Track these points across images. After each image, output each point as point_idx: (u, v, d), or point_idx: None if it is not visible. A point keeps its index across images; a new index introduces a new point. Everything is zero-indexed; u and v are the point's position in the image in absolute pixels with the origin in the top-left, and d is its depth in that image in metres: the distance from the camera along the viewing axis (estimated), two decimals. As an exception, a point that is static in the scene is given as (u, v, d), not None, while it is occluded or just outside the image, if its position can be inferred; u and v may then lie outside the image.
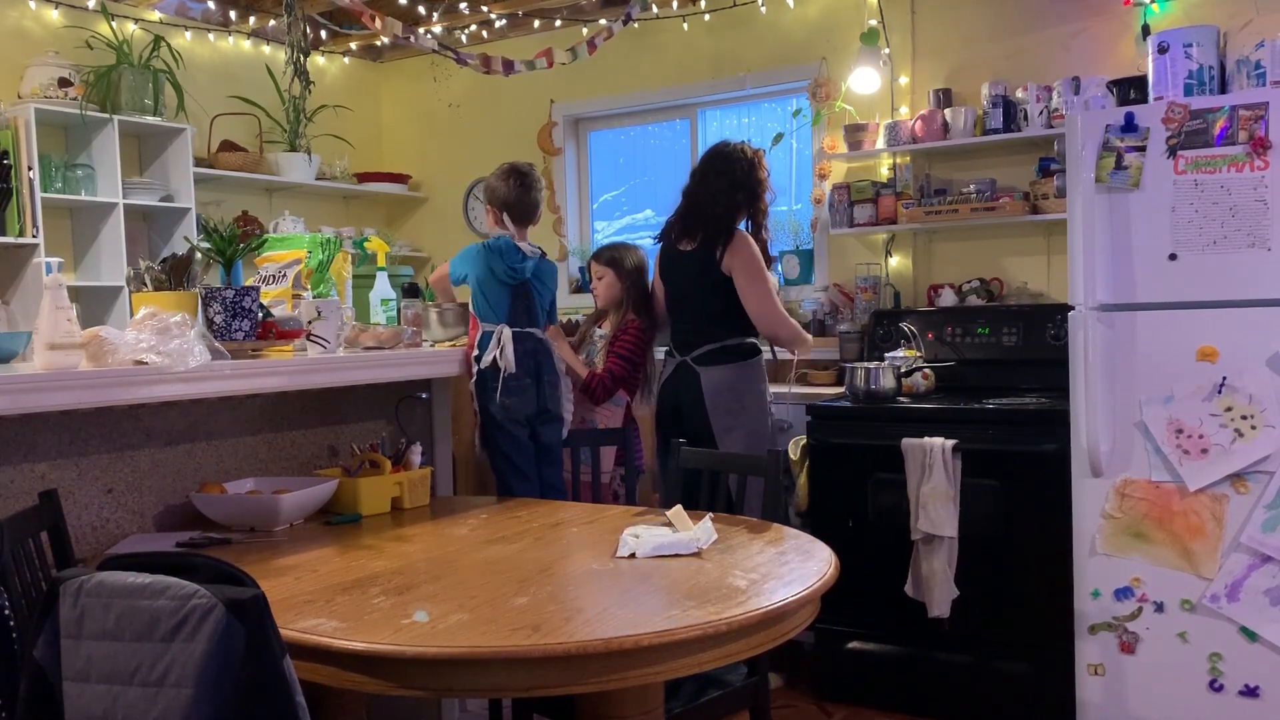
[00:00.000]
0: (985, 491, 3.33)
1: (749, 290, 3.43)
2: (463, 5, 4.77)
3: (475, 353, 3.15)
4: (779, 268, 4.66)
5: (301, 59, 3.68)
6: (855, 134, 4.36)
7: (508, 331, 3.15)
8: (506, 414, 3.13)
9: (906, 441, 3.39)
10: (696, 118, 5.09)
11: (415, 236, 5.82)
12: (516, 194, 3.29)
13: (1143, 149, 2.97)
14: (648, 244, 3.95)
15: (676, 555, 2.13)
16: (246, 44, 5.23)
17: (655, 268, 3.71)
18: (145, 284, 2.55)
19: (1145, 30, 3.71)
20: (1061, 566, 3.15)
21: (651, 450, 3.76)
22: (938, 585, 3.32)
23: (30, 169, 4.08)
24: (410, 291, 3.45)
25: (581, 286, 5.19)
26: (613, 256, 3.77)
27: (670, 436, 3.19)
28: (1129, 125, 2.99)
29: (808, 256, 4.66)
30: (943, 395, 3.76)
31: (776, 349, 3.70)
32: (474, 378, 3.15)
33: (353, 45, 5.47)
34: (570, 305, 5.13)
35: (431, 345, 3.21)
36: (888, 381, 3.67)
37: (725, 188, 3.47)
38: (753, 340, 3.54)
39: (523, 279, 3.23)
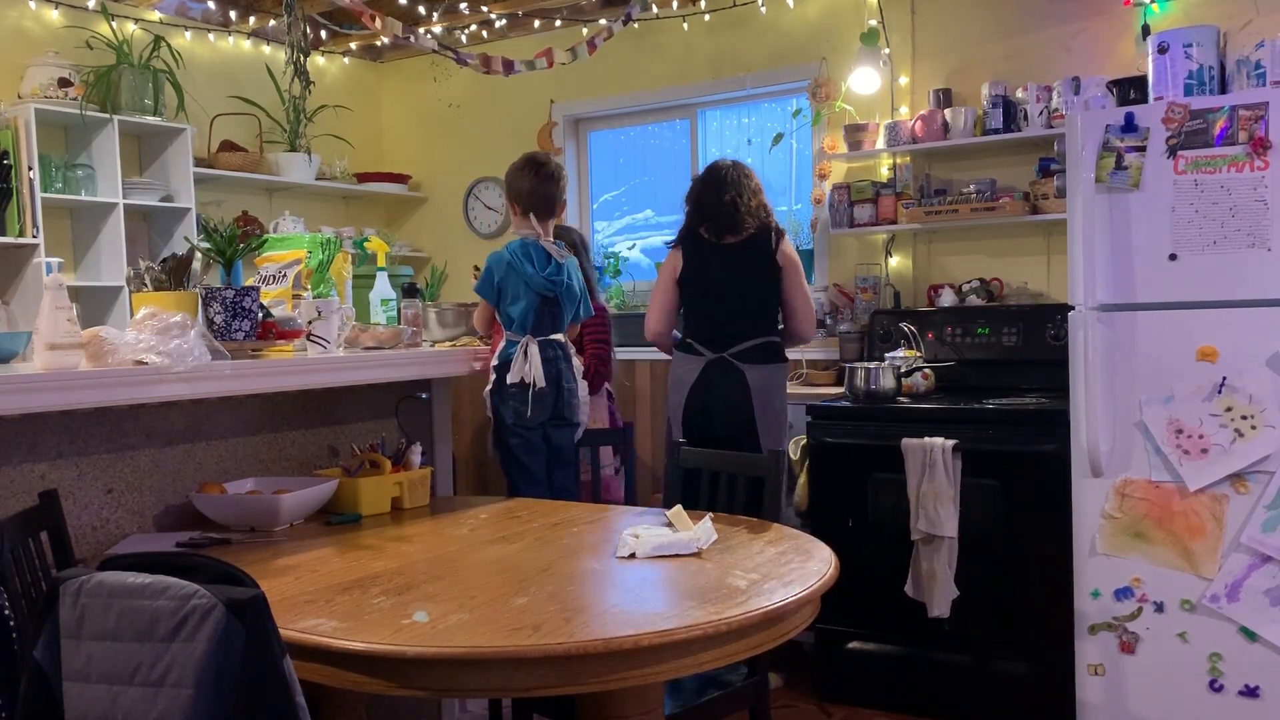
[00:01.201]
0: (985, 491, 3.33)
1: (800, 285, 3.57)
2: (463, 5, 4.77)
3: (495, 363, 3.13)
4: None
5: (301, 59, 3.67)
6: (855, 134, 4.36)
7: (535, 347, 3.12)
8: (520, 420, 3.11)
9: (906, 441, 3.39)
10: (696, 118, 5.09)
11: (415, 236, 5.83)
12: (533, 184, 3.20)
13: (1143, 149, 2.97)
14: (653, 243, 3.95)
15: (676, 555, 2.13)
16: (246, 44, 5.23)
17: (672, 268, 3.65)
18: (145, 284, 2.55)
19: (1145, 30, 3.71)
20: (1061, 566, 3.15)
21: (652, 451, 3.77)
22: (938, 585, 3.32)
23: (30, 169, 4.09)
24: (410, 291, 3.44)
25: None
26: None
27: (701, 437, 3.16)
28: (1129, 125, 2.99)
29: (808, 256, 4.66)
30: (943, 395, 3.76)
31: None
32: (490, 386, 3.13)
33: (353, 45, 5.47)
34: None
35: (431, 345, 3.21)
36: (888, 381, 3.67)
37: (755, 191, 3.59)
38: (780, 339, 3.61)
39: (559, 291, 3.19)
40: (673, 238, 3.73)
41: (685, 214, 3.68)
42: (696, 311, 3.60)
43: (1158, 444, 2.97)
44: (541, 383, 3.08)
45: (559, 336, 3.19)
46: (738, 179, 3.57)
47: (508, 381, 3.08)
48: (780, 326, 3.63)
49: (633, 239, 5.31)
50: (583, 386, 3.27)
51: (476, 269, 3.53)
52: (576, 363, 3.26)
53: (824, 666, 3.65)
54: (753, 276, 3.53)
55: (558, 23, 5.10)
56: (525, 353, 3.09)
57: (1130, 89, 3.54)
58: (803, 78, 4.65)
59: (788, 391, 3.74)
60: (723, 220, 3.55)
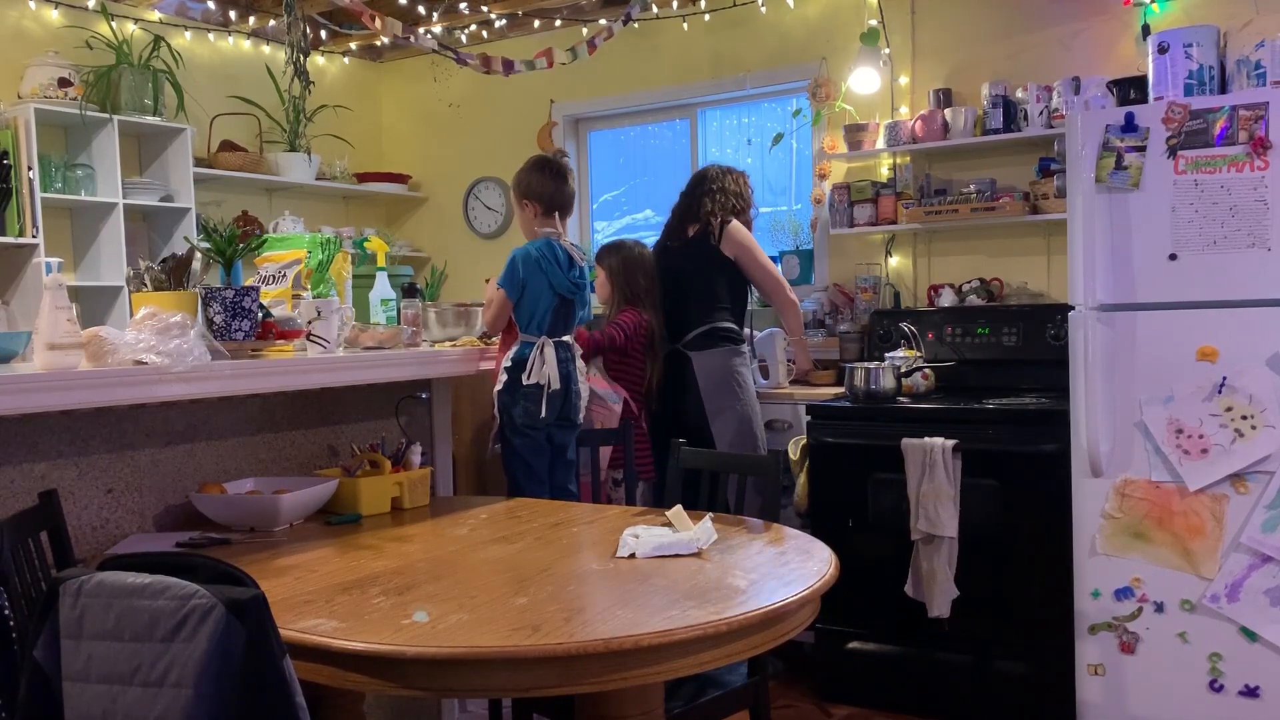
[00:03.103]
0: (985, 491, 3.33)
1: (756, 265, 3.85)
2: (463, 5, 4.77)
3: (508, 363, 3.11)
4: (779, 268, 4.66)
5: (301, 59, 3.67)
6: (855, 134, 4.36)
7: (551, 347, 3.10)
8: (531, 421, 3.10)
9: (906, 441, 3.39)
10: (696, 118, 5.09)
11: (415, 236, 5.83)
12: (554, 184, 3.20)
13: (1143, 149, 2.97)
14: (653, 243, 4.02)
15: (676, 555, 2.13)
16: (246, 44, 5.23)
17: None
18: (145, 284, 2.55)
19: (1145, 30, 3.71)
20: (1061, 566, 3.15)
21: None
22: (938, 585, 3.32)
23: (30, 169, 4.08)
24: (410, 291, 3.43)
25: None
26: (600, 258, 3.87)
27: (667, 427, 3.24)
28: (1129, 125, 2.99)
29: (808, 256, 4.66)
30: (943, 395, 3.76)
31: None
32: (500, 385, 3.12)
33: (353, 45, 5.47)
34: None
35: (431, 345, 3.21)
36: (888, 381, 3.67)
37: (717, 192, 3.86)
38: (737, 327, 3.83)
39: (579, 293, 3.17)
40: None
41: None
42: (662, 312, 3.86)
43: (1158, 444, 2.97)
44: (557, 384, 3.07)
45: (568, 338, 3.19)
46: (699, 185, 3.89)
47: (524, 383, 3.06)
48: (748, 313, 3.97)
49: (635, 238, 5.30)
50: (585, 387, 3.27)
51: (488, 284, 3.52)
52: (581, 364, 3.26)
53: (824, 666, 3.65)
54: (699, 274, 3.81)
55: (558, 23, 5.10)
56: (542, 354, 3.07)
57: (1130, 89, 3.54)
58: (803, 78, 4.65)
59: (788, 389, 3.81)
60: (670, 230, 3.97)
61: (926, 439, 3.36)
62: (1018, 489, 3.31)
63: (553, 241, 3.16)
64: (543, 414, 3.07)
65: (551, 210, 3.21)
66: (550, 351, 3.08)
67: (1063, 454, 3.16)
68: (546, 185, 3.21)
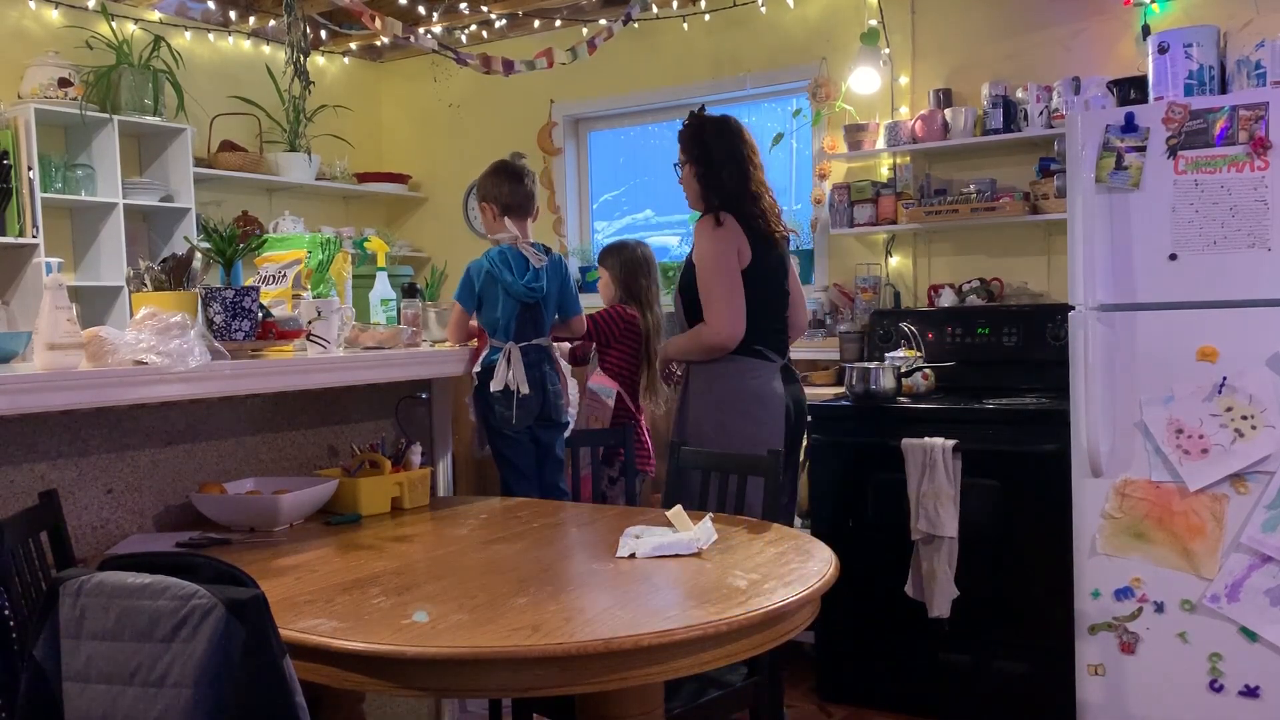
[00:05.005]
0: (985, 491, 3.33)
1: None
2: (463, 5, 4.77)
3: (478, 369, 3.12)
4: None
5: (301, 59, 3.67)
6: (855, 134, 4.36)
7: (517, 352, 3.11)
8: (506, 425, 3.11)
9: (906, 441, 3.39)
10: (696, 118, 5.08)
11: (415, 236, 5.82)
12: (510, 187, 3.23)
13: (1143, 149, 2.97)
14: (654, 243, 3.98)
15: (676, 555, 2.13)
16: (246, 44, 5.23)
17: (737, 253, 3.04)
18: (145, 284, 2.54)
19: (1145, 30, 3.71)
20: (1061, 566, 3.15)
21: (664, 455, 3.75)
22: (938, 585, 3.32)
23: (30, 169, 4.08)
24: (410, 291, 3.44)
25: (583, 286, 5.19)
26: (602, 260, 3.87)
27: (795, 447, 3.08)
28: (1129, 125, 2.99)
29: (808, 256, 4.66)
30: (943, 395, 3.76)
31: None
32: (473, 390, 3.13)
33: (353, 45, 5.47)
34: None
35: (431, 345, 3.21)
36: (888, 381, 3.67)
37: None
38: None
39: (539, 297, 3.18)
40: (700, 214, 3.23)
41: (726, 173, 3.16)
42: (763, 311, 3.09)
43: (1158, 444, 2.97)
44: (525, 389, 3.07)
45: (542, 340, 3.18)
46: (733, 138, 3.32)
47: (491, 389, 3.07)
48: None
49: (635, 238, 5.30)
50: (573, 385, 3.27)
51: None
52: (562, 364, 3.26)
53: (824, 666, 3.65)
54: (787, 276, 3.22)
55: (558, 23, 5.10)
56: (508, 359, 3.08)
57: (1130, 89, 3.54)
58: (803, 78, 4.64)
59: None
60: (777, 214, 3.16)
61: (926, 439, 3.36)
62: (1018, 489, 3.31)
63: (507, 248, 3.17)
64: (514, 419, 3.07)
65: (508, 211, 3.23)
66: (517, 356, 3.08)
67: (1063, 454, 3.16)
68: (500, 186, 3.23)
